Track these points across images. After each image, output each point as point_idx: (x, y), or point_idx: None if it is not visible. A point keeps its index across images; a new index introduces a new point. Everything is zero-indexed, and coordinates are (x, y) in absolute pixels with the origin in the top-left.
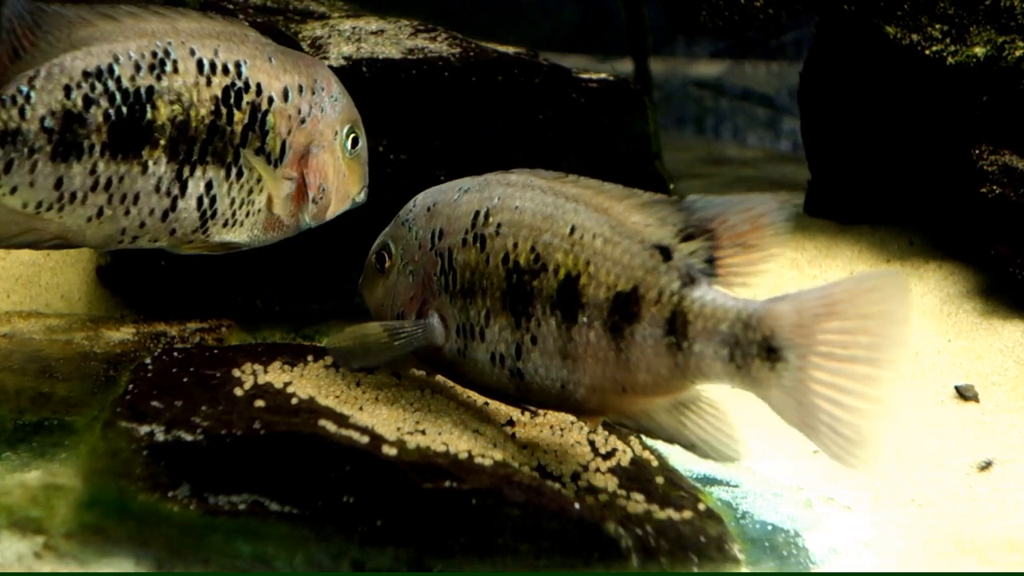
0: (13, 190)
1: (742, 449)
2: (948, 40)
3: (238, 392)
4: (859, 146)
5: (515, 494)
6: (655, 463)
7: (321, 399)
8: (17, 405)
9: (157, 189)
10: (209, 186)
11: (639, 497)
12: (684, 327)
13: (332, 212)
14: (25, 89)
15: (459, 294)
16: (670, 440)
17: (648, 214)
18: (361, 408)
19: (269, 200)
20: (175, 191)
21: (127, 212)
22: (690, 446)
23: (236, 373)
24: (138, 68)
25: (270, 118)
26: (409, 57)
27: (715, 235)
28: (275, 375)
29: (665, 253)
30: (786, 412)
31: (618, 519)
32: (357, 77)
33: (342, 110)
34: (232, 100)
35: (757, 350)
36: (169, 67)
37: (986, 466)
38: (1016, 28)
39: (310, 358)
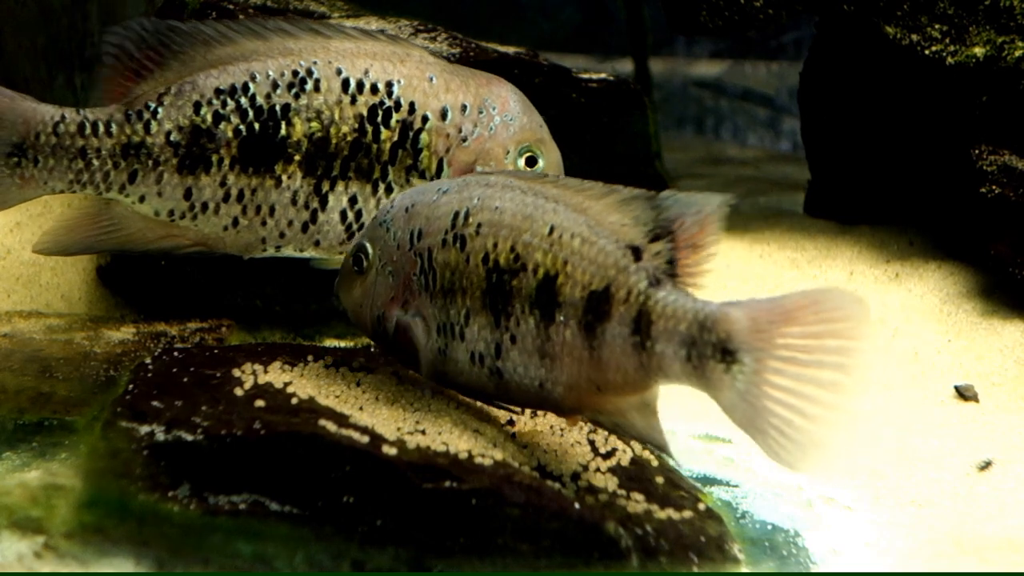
0: (142, 199)
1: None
2: (948, 40)
3: (238, 392)
4: (859, 146)
5: (515, 494)
6: (655, 463)
7: (321, 399)
8: (17, 405)
9: (294, 202)
10: (353, 200)
11: (639, 497)
12: (648, 327)
13: None
14: (152, 105)
15: (439, 294)
16: (643, 440)
17: (625, 213)
18: (361, 408)
19: None
20: (314, 204)
21: (264, 223)
22: (659, 446)
23: (236, 373)
24: (275, 86)
25: (423, 136)
26: None
27: (675, 237)
28: (275, 375)
29: (636, 253)
30: (735, 413)
31: (618, 519)
32: None
33: (517, 130)
34: (379, 118)
35: (712, 351)
36: (310, 86)
37: (986, 466)
38: (1016, 28)
39: (310, 358)
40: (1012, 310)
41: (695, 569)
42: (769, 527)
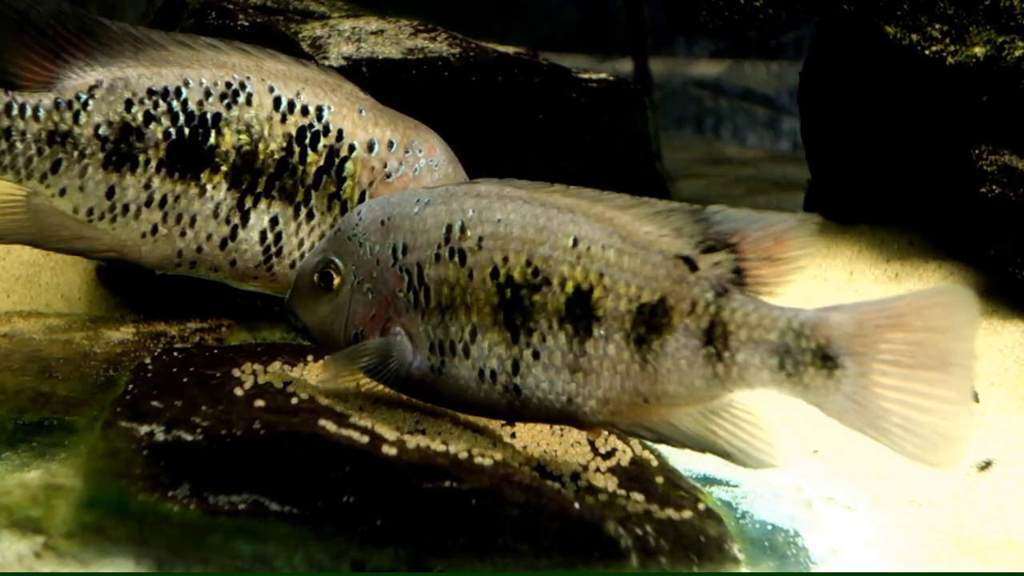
0: (62, 192)
1: (778, 455)
2: (948, 40)
3: (238, 392)
4: (859, 146)
5: (515, 494)
6: (655, 463)
7: (321, 399)
8: (17, 405)
9: (215, 214)
10: (274, 221)
11: (639, 497)
12: (725, 337)
13: None
14: (83, 96)
15: (435, 311)
16: (701, 449)
17: (661, 224)
18: (361, 408)
19: None
20: (235, 220)
21: (183, 233)
22: (724, 454)
23: (236, 373)
24: (208, 94)
25: (349, 165)
26: (409, 57)
27: (738, 249)
28: (275, 375)
29: (690, 263)
30: (848, 417)
31: (618, 519)
32: (357, 77)
33: (441, 177)
34: (307, 141)
35: (811, 358)
36: (242, 98)
37: (986, 466)
38: (1016, 28)
39: (310, 358)
40: (1012, 310)
41: (695, 569)
42: (769, 527)
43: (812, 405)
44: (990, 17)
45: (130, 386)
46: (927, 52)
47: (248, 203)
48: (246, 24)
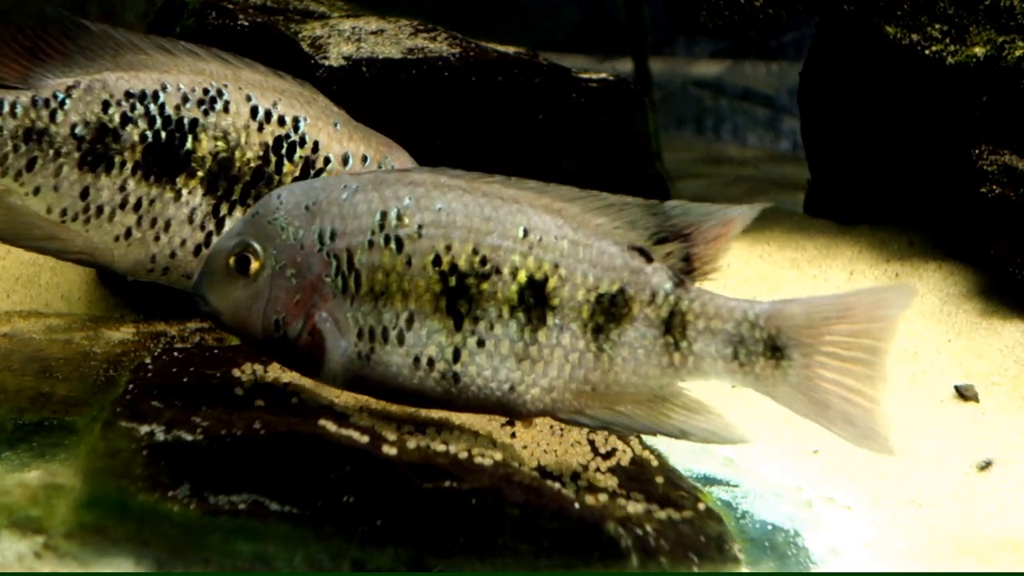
0: (36, 190)
1: (741, 432)
2: (948, 40)
3: (238, 392)
4: (859, 146)
5: (515, 494)
6: (655, 463)
7: (321, 399)
8: (17, 405)
9: (190, 220)
10: None
11: (639, 497)
12: (683, 327)
13: None
14: (61, 95)
15: (367, 297)
16: (651, 432)
17: (613, 217)
18: (361, 408)
19: None
20: (210, 226)
21: (157, 238)
22: (680, 434)
23: (236, 373)
24: (185, 99)
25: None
26: (409, 57)
27: (690, 239)
28: (275, 375)
29: (644, 255)
30: (796, 406)
31: (618, 519)
32: (357, 77)
33: None
34: (284, 151)
35: (763, 348)
36: (219, 105)
37: (986, 466)
38: (1016, 28)
39: None
40: (1012, 310)
41: (695, 569)
42: (769, 527)
43: (763, 394)
44: (990, 17)
45: (130, 386)
46: (927, 52)
47: (223, 210)
48: (246, 24)
